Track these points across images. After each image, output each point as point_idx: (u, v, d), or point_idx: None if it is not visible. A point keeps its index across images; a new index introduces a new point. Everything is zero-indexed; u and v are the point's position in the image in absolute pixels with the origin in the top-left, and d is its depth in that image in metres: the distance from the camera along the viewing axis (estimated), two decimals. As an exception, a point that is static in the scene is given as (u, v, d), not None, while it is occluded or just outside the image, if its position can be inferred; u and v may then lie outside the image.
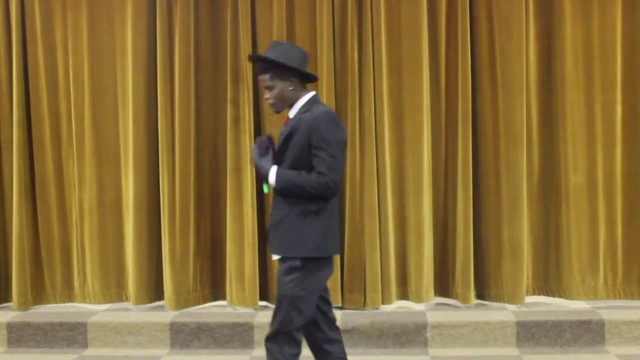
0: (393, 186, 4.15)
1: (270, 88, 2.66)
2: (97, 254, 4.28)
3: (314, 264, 2.60)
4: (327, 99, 4.03)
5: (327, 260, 2.66)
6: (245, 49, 4.05)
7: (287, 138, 2.61)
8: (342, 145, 2.61)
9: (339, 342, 2.81)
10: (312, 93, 2.71)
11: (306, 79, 2.73)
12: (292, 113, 2.68)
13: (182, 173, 4.13)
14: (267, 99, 2.69)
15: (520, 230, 4.03)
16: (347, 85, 4.06)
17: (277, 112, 2.73)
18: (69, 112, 4.29)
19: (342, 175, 2.67)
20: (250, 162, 2.72)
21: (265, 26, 4.13)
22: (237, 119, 4.10)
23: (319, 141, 2.52)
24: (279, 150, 2.66)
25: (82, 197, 4.28)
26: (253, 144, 2.70)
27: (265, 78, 2.67)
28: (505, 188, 4.05)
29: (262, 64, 2.67)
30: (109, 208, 4.28)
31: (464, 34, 4.03)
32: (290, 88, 2.66)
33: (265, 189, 2.69)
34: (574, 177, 4.09)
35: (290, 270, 2.57)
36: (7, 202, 4.28)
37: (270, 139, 2.71)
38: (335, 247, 2.71)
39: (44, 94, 4.27)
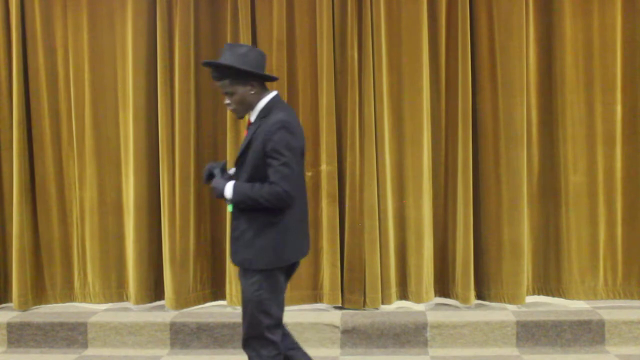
0: (393, 186, 4.13)
1: (230, 94, 2.62)
2: (97, 254, 4.26)
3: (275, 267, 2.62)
4: (327, 99, 4.03)
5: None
6: None
7: (247, 147, 2.60)
8: (297, 152, 2.57)
9: (287, 334, 2.83)
10: (272, 94, 2.67)
11: (266, 80, 2.69)
12: (253, 117, 2.66)
13: (183, 173, 4.11)
14: (227, 104, 2.65)
15: (521, 230, 4.01)
16: (347, 85, 4.04)
17: (240, 117, 2.71)
18: (69, 112, 4.27)
19: (300, 183, 2.62)
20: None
21: (265, 26, 4.10)
22: (237, 119, 4.09)
23: (272, 150, 2.50)
24: (239, 158, 2.64)
25: (83, 197, 4.27)
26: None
27: (224, 84, 2.61)
28: (505, 188, 4.03)
29: (219, 70, 2.61)
30: (110, 208, 4.26)
31: (464, 34, 4.01)
32: (252, 92, 2.62)
33: (230, 208, 2.66)
34: (574, 177, 4.07)
35: (252, 272, 2.59)
36: (7, 202, 4.26)
37: (220, 164, 2.72)
38: (298, 253, 2.69)
39: (44, 94, 4.24)
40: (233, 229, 2.67)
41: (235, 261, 2.68)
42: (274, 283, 2.62)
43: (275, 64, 4.09)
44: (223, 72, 2.59)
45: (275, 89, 4.05)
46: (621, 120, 4.09)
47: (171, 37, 4.13)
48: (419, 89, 4.07)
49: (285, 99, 4.08)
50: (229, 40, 4.07)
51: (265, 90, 2.67)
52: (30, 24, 4.22)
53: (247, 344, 2.68)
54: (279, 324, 2.67)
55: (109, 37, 4.24)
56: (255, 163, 2.56)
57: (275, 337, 2.63)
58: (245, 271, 2.63)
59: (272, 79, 2.72)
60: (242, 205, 2.57)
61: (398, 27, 4.10)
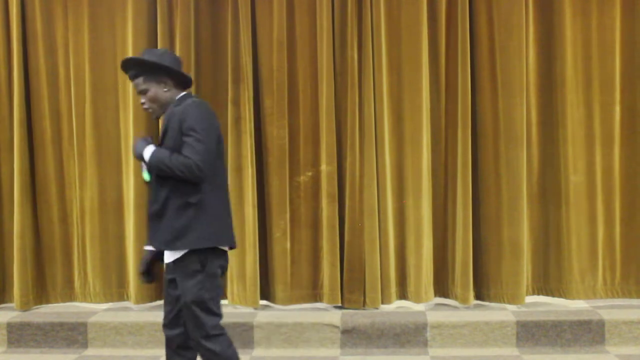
0: (393, 186, 4.08)
1: (144, 92, 2.62)
2: (98, 254, 4.21)
3: (212, 262, 2.59)
4: (327, 99, 3.98)
5: (222, 254, 2.65)
6: (246, 49, 3.99)
7: (163, 135, 2.59)
8: (212, 130, 2.58)
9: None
10: (184, 92, 2.69)
11: (181, 82, 2.69)
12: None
13: None
14: (142, 104, 2.65)
15: (520, 230, 3.96)
16: (347, 85, 3.99)
17: (156, 118, 2.69)
18: (70, 112, 4.22)
19: (217, 166, 2.61)
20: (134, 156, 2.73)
21: (266, 26, 4.06)
22: (238, 119, 4.04)
23: (187, 129, 2.51)
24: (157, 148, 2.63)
25: (83, 196, 4.22)
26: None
27: (138, 82, 2.63)
28: (505, 188, 3.99)
29: (134, 67, 2.62)
30: (110, 207, 4.21)
31: (463, 34, 3.96)
32: (165, 90, 2.63)
33: (146, 176, 2.63)
34: (574, 177, 4.03)
35: (193, 273, 2.55)
36: (8, 201, 4.20)
37: (148, 138, 2.69)
38: (227, 240, 2.66)
39: (44, 94, 4.20)
40: (150, 207, 2.64)
41: (156, 241, 2.63)
42: (214, 280, 2.61)
43: (275, 64, 4.04)
44: (137, 69, 2.61)
45: (276, 89, 4.10)
46: (620, 121, 4.05)
47: (172, 37, 4.08)
48: (418, 89, 4.02)
49: (285, 99, 4.05)
50: (229, 41, 4.03)
51: (180, 91, 2.68)
52: (30, 24, 4.17)
53: (201, 347, 2.62)
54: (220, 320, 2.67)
55: (110, 37, 4.19)
56: (173, 147, 2.54)
57: (219, 330, 2.62)
58: (186, 272, 2.57)
59: (185, 77, 2.69)
60: (157, 171, 2.55)
61: (398, 27, 4.05)
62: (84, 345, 3.84)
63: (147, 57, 2.63)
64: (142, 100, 2.63)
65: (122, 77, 4.18)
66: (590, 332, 3.66)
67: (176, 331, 2.70)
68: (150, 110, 2.66)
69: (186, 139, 2.51)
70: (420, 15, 4.02)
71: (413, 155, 4.05)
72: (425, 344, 3.71)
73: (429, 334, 3.71)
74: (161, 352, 3.76)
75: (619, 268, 4.10)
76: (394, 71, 4.07)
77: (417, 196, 4.05)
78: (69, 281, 4.29)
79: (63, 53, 4.23)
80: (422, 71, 4.03)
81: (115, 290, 4.25)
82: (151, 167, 2.57)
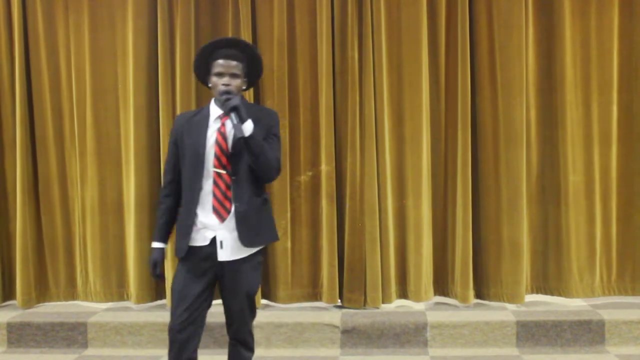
0: (393, 186, 4.02)
1: (235, 76, 2.57)
2: (98, 253, 4.15)
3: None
4: (327, 99, 3.91)
5: None
6: None
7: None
8: None
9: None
10: None
11: (250, 87, 2.78)
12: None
13: None
14: (226, 84, 2.54)
15: (520, 229, 3.90)
16: (347, 85, 3.92)
17: (226, 101, 2.50)
18: (72, 112, 4.16)
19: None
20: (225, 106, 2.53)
21: (266, 26, 3.99)
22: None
23: (273, 134, 2.60)
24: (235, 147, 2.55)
25: (85, 195, 4.16)
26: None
27: (235, 65, 2.57)
28: (504, 188, 3.93)
29: (246, 52, 2.62)
30: (111, 207, 4.15)
31: (463, 34, 3.89)
32: (243, 87, 2.65)
33: (249, 127, 2.46)
34: (573, 177, 3.97)
35: (258, 266, 2.63)
36: (10, 200, 4.15)
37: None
38: None
39: (46, 94, 4.14)
40: (237, 207, 2.52)
41: (245, 242, 2.54)
42: None
43: (275, 64, 3.97)
44: (245, 56, 2.61)
45: (276, 89, 4.07)
46: (617, 121, 4.00)
47: (172, 37, 4.01)
48: (418, 89, 3.95)
49: (285, 99, 3.98)
50: None
51: None
52: (32, 24, 4.10)
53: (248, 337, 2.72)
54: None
55: (110, 37, 4.12)
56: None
57: None
58: (253, 264, 2.59)
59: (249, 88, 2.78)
60: (252, 146, 2.46)
61: (398, 27, 3.98)
62: (84, 345, 3.78)
63: (258, 55, 2.70)
64: (228, 82, 2.54)
65: (123, 76, 4.15)
66: (590, 332, 3.60)
67: (187, 333, 2.58)
68: (230, 92, 2.54)
69: (271, 141, 2.57)
70: (420, 15, 3.95)
71: (413, 155, 3.99)
72: (425, 344, 3.66)
73: (429, 334, 3.67)
74: (161, 352, 3.73)
75: (615, 266, 4.06)
76: (394, 71, 4.01)
77: (417, 196, 3.98)
78: (71, 280, 4.23)
79: (64, 53, 4.16)
80: (422, 71, 3.96)
81: (116, 290, 4.19)
82: (252, 139, 2.47)
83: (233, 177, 2.52)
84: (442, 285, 4.11)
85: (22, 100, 4.08)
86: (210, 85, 2.62)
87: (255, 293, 2.64)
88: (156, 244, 2.67)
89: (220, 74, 2.56)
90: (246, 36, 3.95)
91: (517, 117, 3.91)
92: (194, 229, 2.54)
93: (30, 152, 4.15)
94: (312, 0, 3.98)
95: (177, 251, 2.59)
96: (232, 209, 2.52)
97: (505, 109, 3.94)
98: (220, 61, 2.56)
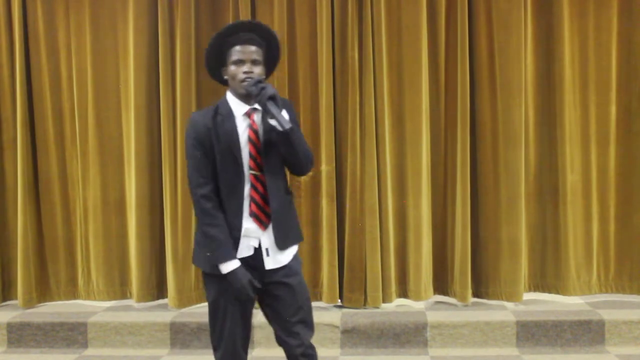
0: (393, 186, 3.92)
1: (257, 63, 2.24)
2: (100, 252, 4.07)
3: None
4: (327, 99, 3.82)
5: None
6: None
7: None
8: None
9: None
10: None
11: (269, 74, 2.42)
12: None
13: (184, 172, 4.01)
14: (248, 72, 2.21)
15: (518, 229, 3.82)
16: (347, 85, 3.82)
17: (248, 92, 2.21)
18: (73, 112, 4.07)
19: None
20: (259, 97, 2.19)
21: None
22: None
23: (296, 121, 2.32)
24: (267, 143, 2.27)
25: (86, 195, 4.07)
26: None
27: (256, 51, 2.24)
28: (503, 187, 3.84)
29: (266, 39, 2.29)
30: (112, 207, 4.07)
31: (463, 35, 3.80)
32: (263, 76, 2.28)
33: (287, 121, 2.14)
34: (571, 176, 3.89)
35: (301, 265, 2.37)
36: (11, 201, 4.07)
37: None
38: None
39: (47, 94, 4.05)
40: (272, 206, 2.24)
41: (285, 243, 2.29)
42: None
43: None
44: (265, 43, 2.28)
45: (276, 89, 4.04)
46: (615, 120, 3.92)
47: (172, 37, 3.92)
48: (418, 90, 3.86)
49: (284, 98, 4.01)
50: None
51: None
52: (32, 24, 4.01)
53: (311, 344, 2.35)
54: None
55: (111, 37, 4.03)
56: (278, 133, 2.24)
57: None
58: (297, 267, 2.32)
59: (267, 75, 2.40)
60: (292, 138, 2.18)
61: (398, 27, 3.89)
62: (84, 345, 3.70)
63: (278, 39, 2.35)
64: (249, 69, 2.21)
65: (124, 76, 4.07)
66: (590, 332, 3.52)
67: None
68: (249, 81, 2.22)
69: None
70: (420, 16, 3.85)
71: (413, 155, 3.90)
72: (425, 344, 3.58)
73: (428, 334, 3.60)
74: (161, 352, 3.70)
75: (613, 264, 3.99)
76: (394, 71, 3.92)
77: (417, 195, 3.89)
78: (72, 279, 4.15)
79: (65, 53, 4.07)
80: (422, 71, 3.86)
81: (119, 288, 4.12)
82: (294, 131, 2.19)
83: (267, 176, 2.23)
84: (441, 284, 4.02)
85: (22, 100, 3.99)
86: (225, 77, 2.28)
87: (309, 298, 2.35)
88: (233, 263, 2.22)
89: (240, 62, 2.21)
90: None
91: (516, 117, 3.85)
92: (239, 240, 2.24)
93: (31, 152, 4.07)
94: (312, 0, 3.90)
95: (224, 264, 2.22)
96: (270, 211, 2.25)
97: (504, 109, 3.87)
98: (238, 47, 2.21)
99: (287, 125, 2.11)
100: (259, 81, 2.17)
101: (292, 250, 2.33)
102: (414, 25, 3.88)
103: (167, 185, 3.94)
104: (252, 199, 2.24)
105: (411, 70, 3.89)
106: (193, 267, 4.04)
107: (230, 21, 3.95)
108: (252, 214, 2.24)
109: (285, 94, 3.91)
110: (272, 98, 2.13)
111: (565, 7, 3.90)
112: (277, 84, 3.95)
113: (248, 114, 2.26)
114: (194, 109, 4.01)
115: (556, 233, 3.97)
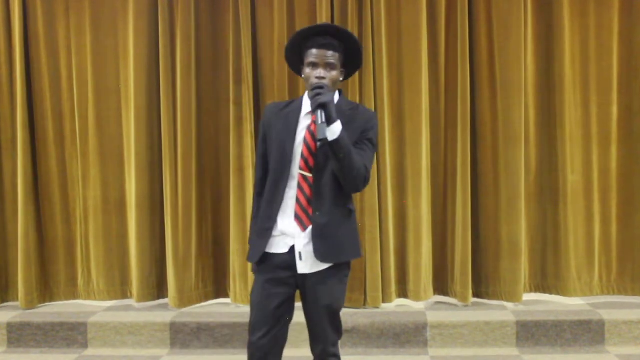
0: (393, 186, 3.92)
1: (332, 67, 2.24)
2: (101, 252, 4.07)
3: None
4: None
5: None
6: (246, 50, 3.82)
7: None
8: None
9: None
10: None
11: (347, 78, 2.42)
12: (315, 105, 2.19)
13: (185, 172, 3.91)
14: (321, 77, 2.21)
15: (519, 229, 3.81)
16: (348, 86, 3.80)
17: (316, 96, 2.18)
18: (73, 112, 4.06)
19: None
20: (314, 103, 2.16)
21: (266, 27, 3.89)
22: (239, 120, 3.86)
23: (368, 140, 2.27)
24: (320, 152, 2.24)
25: (86, 195, 4.07)
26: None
27: (332, 55, 2.24)
28: (503, 187, 3.84)
29: (345, 42, 2.28)
30: (113, 207, 4.07)
31: (463, 35, 3.80)
32: (340, 79, 2.30)
33: (324, 133, 2.10)
34: (571, 177, 3.88)
35: (344, 279, 2.31)
36: (11, 201, 4.06)
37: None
38: None
39: (47, 95, 4.05)
40: (316, 219, 2.23)
41: (325, 257, 2.24)
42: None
43: (275, 65, 3.88)
44: (344, 47, 2.27)
45: (276, 89, 4.01)
46: (617, 121, 3.91)
47: (172, 37, 3.91)
48: (418, 89, 3.85)
49: (286, 99, 3.90)
50: (231, 41, 3.86)
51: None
52: (32, 24, 4.00)
53: (337, 349, 2.33)
54: None
55: (111, 37, 4.03)
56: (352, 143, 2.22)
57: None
58: (340, 277, 2.29)
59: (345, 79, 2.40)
60: (339, 149, 2.13)
61: (398, 27, 3.89)
62: (84, 345, 3.69)
63: (359, 45, 2.34)
64: (322, 74, 2.22)
65: (124, 77, 4.06)
66: (590, 332, 3.52)
67: (267, 349, 2.30)
68: (324, 86, 2.21)
69: (364, 147, 2.24)
70: (420, 16, 3.85)
71: (413, 155, 3.89)
72: (425, 344, 3.58)
73: (429, 334, 3.59)
74: (161, 352, 3.69)
75: (615, 266, 3.97)
76: (394, 71, 3.91)
77: (417, 195, 3.89)
78: (73, 279, 4.14)
79: (65, 53, 4.06)
80: (421, 71, 3.85)
81: (119, 288, 4.11)
82: (341, 142, 2.13)
83: (315, 182, 2.23)
84: (441, 284, 4.02)
85: (22, 100, 3.98)
86: (303, 76, 2.29)
87: (339, 309, 2.29)
88: None
89: (314, 65, 2.23)
90: (246, 37, 3.88)
91: (516, 117, 3.84)
92: (273, 233, 2.26)
93: (31, 152, 4.06)
94: (312, 1, 3.89)
95: (250, 255, 2.31)
96: (312, 215, 2.23)
97: (505, 108, 3.87)
98: (314, 51, 2.23)
99: (321, 136, 2.09)
100: (320, 87, 2.17)
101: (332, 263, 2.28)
102: (414, 25, 3.88)
103: (168, 184, 3.94)
104: (297, 200, 2.25)
105: (411, 70, 3.89)
106: (194, 267, 4.04)
107: (230, 21, 3.97)
108: (295, 215, 2.25)
109: (285, 95, 3.90)
110: (322, 106, 2.11)
111: (566, 6, 3.90)
112: (277, 85, 3.95)
113: (310, 114, 2.27)
114: (194, 109, 4.01)
115: (556, 233, 3.97)
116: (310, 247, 2.23)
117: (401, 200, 3.97)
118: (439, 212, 4.01)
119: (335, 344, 2.32)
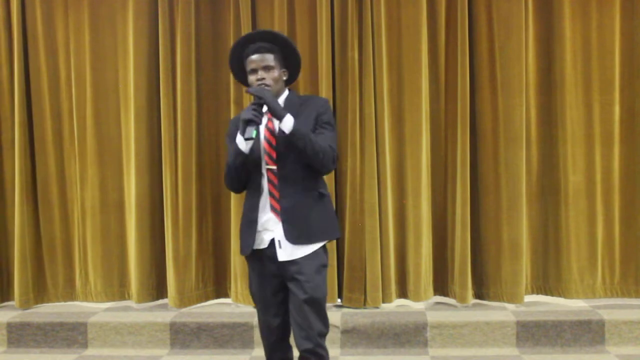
0: (393, 186, 3.94)
1: (269, 69, 2.42)
2: (99, 253, 4.08)
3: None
4: None
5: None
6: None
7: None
8: None
9: None
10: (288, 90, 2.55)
11: (290, 80, 2.59)
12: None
13: (185, 173, 3.93)
14: (261, 79, 2.40)
15: (519, 229, 3.83)
16: (347, 86, 3.84)
17: (260, 99, 2.38)
18: (71, 112, 4.08)
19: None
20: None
21: (266, 26, 3.89)
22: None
23: (325, 122, 2.45)
24: (280, 141, 2.41)
25: (84, 196, 4.09)
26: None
27: (267, 57, 2.42)
28: (504, 188, 3.85)
29: (276, 43, 2.46)
30: (111, 207, 4.08)
31: (463, 34, 3.81)
32: (284, 78, 2.51)
33: (253, 134, 2.30)
34: (573, 177, 3.89)
35: (322, 268, 2.42)
36: (9, 201, 4.08)
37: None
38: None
39: (45, 95, 4.07)
40: (282, 202, 2.39)
41: (296, 238, 2.38)
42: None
43: None
44: (276, 47, 2.45)
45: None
46: (619, 121, 3.92)
47: (173, 37, 3.94)
48: (418, 89, 3.88)
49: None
50: (231, 42, 3.86)
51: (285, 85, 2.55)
52: (31, 24, 4.03)
53: (323, 344, 2.41)
54: None
55: (111, 37, 4.05)
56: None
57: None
58: (317, 266, 2.39)
59: (296, 77, 2.62)
60: (298, 141, 2.32)
61: (398, 27, 3.91)
62: (84, 345, 3.71)
63: (290, 42, 2.52)
64: (263, 76, 2.40)
65: (123, 77, 4.08)
66: (590, 332, 3.53)
67: (276, 334, 2.49)
68: (267, 87, 2.42)
69: (323, 130, 2.42)
70: (420, 16, 3.87)
71: (413, 155, 3.91)
72: (425, 344, 3.59)
73: (428, 334, 3.60)
74: (161, 352, 3.69)
75: (618, 268, 3.96)
76: (394, 71, 3.93)
77: (417, 195, 3.91)
78: (70, 280, 4.16)
79: (64, 53, 4.09)
80: (422, 71, 3.88)
81: (117, 289, 4.13)
82: (297, 133, 2.32)
83: (279, 171, 2.40)
84: (441, 284, 4.04)
85: (21, 100, 4.01)
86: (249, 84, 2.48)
87: (320, 299, 2.38)
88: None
89: (254, 71, 2.42)
90: (246, 36, 3.91)
91: (516, 117, 3.85)
92: (257, 228, 2.43)
93: (29, 152, 4.08)
94: (312, 0, 3.92)
95: (242, 249, 2.49)
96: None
97: (505, 108, 3.87)
98: (252, 57, 2.42)
99: (248, 135, 2.29)
100: (258, 91, 2.35)
101: (311, 247, 2.42)
102: (414, 25, 3.89)
103: (168, 185, 3.94)
104: (270, 193, 2.42)
105: (411, 70, 3.90)
106: (194, 267, 4.04)
107: (231, 21, 3.99)
108: (271, 207, 2.42)
109: (285, 95, 3.88)
110: (247, 121, 2.31)
111: (567, 6, 3.91)
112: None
113: (266, 113, 2.43)
114: (194, 109, 4.02)
115: (558, 235, 3.97)
116: (282, 233, 2.39)
117: (401, 200, 3.97)
118: (438, 212, 4.02)
119: (321, 335, 2.40)
